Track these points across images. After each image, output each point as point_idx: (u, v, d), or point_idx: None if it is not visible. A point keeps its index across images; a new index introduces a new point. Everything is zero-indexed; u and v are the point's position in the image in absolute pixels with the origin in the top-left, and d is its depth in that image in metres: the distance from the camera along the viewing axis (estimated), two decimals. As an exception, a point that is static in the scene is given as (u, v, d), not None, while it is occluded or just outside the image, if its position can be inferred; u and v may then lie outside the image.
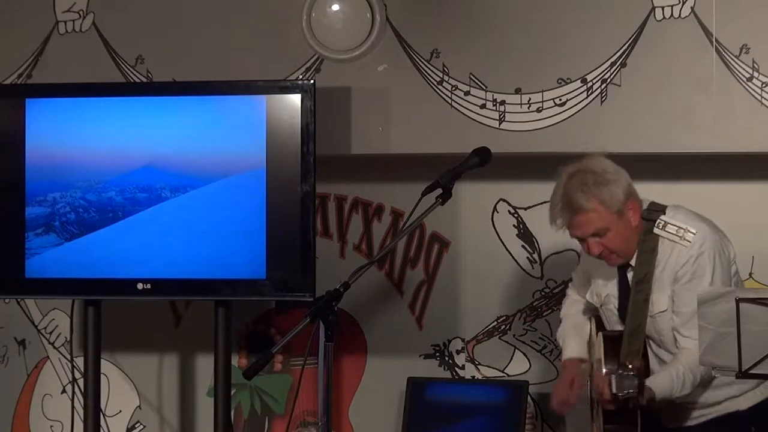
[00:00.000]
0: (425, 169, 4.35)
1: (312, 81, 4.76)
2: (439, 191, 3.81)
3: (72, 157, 4.80)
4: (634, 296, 4.06)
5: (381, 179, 5.21)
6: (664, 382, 3.91)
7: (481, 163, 3.98)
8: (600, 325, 4.26)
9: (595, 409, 4.16)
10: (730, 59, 4.65)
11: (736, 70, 4.65)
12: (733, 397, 4.08)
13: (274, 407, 5.34)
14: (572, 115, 4.78)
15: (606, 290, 4.18)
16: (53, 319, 5.44)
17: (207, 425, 5.10)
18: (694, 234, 4.01)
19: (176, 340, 5.37)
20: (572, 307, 4.42)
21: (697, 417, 4.12)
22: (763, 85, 4.64)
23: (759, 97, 4.65)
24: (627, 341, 4.02)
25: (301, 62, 4.97)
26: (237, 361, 5.28)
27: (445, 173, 3.84)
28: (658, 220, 4.04)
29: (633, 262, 4.07)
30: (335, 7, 4.96)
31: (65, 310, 5.33)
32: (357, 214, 5.27)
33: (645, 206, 4.09)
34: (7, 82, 5.13)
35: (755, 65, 4.64)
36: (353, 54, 4.93)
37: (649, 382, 3.85)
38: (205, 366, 5.29)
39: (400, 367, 5.16)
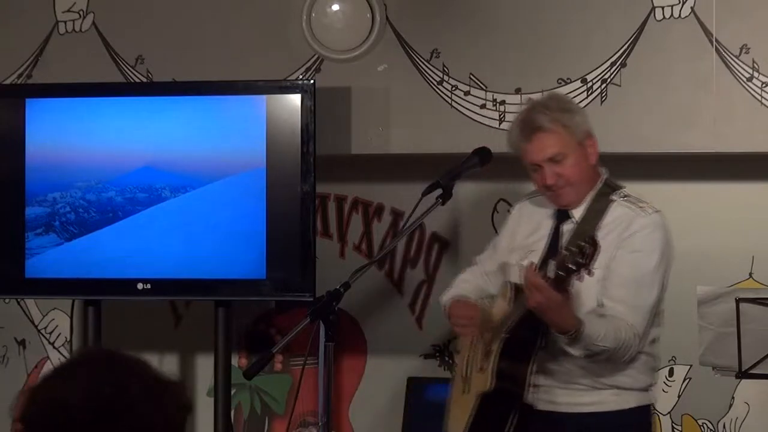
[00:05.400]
0: (425, 169, 4.35)
1: (312, 81, 4.76)
2: (439, 191, 3.81)
3: (72, 157, 4.80)
4: (567, 249, 3.77)
5: (381, 179, 5.21)
6: (593, 322, 3.65)
7: (481, 163, 3.98)
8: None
9: (476, 367, 3.90)
10: (730, 59, 4.65)
11: (736, 70, 4.65)
12: (622, 389, 3.84)
13: (274, 407, 5.34)
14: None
15: (533, 246, 3.90)
16: (53, 319, 5.44)
17: (207, 425, 5.10)
18: (656, 211, 3.83)
19: (176, 340, 5.37)
20: (463, 283, 4.12)
21: (581, 405, 3.84)
22: (763, 85, 4.64)
23: (759, 97, 4.65)
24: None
25: (301, 62, 4.97)
26: (237, 361, 5.28)
27: (445, 173, 3.84)
28: (620, 191, 3.88)
29: (576, 217, 3.86)
30: (335, 7, 4.96)
31: (65, 310, 5.33)
32: (357, 214, 5.27)
33: (606, 175, 3.92)
34: (7, 82, 5.13)
35: (755, 65, 4.64)
36: (353, 54, 4.93)
37: (584, 317, 3.64)
38: (205, 366, 5.29)
39: (400, 367, 5.16)
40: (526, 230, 3.99)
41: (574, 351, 3.70)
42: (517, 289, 3.79)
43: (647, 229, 3.80)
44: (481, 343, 3.90)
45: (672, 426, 5.00)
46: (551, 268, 3.54)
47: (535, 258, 3.85)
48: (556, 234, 3.90)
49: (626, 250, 3.78)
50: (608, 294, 3.77)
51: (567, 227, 3.89)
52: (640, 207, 3.84)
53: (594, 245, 3.46)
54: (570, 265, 3.48)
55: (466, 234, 5.18)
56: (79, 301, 5.09)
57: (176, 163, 4.76)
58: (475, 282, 4.12)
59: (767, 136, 4.65)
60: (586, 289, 3.75)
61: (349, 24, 4.94)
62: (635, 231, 3.80)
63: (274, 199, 4.69)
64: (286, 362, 5.31)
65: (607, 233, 3.79)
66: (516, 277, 3.85)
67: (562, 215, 3.91)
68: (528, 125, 3.83)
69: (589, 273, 3.51)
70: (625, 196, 3.89)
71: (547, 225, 3.93)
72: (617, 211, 3.84)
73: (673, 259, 3.92)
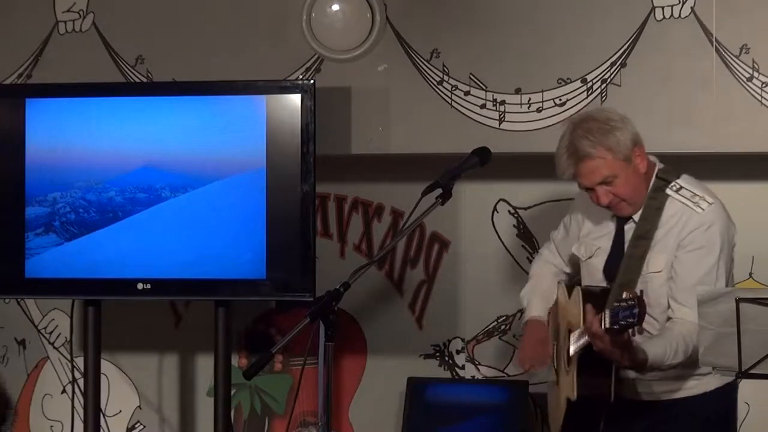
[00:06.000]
0: (425, 169, 4.35)
1: (312, 81, 4.76)
2: (439, 191, 3.81)
3: (72, 157, 4.80)
4: (630, 251, 3.96)
5: (381, 179, 5.22)
6: (657, 348, 3.79)
7: (481, 163, 3.99)
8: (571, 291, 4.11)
9: (562, 365, 4.02)
10: (730, 59, 4.65)
11: (736, 70, 4.65)
12: (702, 374, 3.97)
13: (274, 407, 5.34)
14: (572, 115, 4.77)
15: (597, 243, 4.07)
16: (53, 319, 5.44)
17: (207, 425, 5.10)
18: (709, 204, 3.93)
19: (176, 340, 5.37)
20: (543, 267, 4.33)
21: (665, 393, 4.01)
22: (763, 85, 4.64)
23: (759, 97, 4.65)
24: (615, 295, 3.85)
25: (301, 62, 4.97)
26: (237, 361, 5.28)
27: (444, 173, 3.84)
28: (673, 183, 3.97)
29: (636, 217, 3.98)
30: (335, 7, 4.96)
31: (65, 310, 5.33)
32: (357, 214, 5.27)
33: (659, 166, 4.02)
34: (7, 82, 5.14)
35: (755, 65, 4.64)
36: (353, 54, 4.93)
37: (643, 346, 3.76)
38: (205, 366, 5.29)
39: (400, 367, 5.16)
40: (591, 225, 4.12)
41: (645, 377, 3.90)
42: (584, 296, 3.89)
43: (702, 227, 3.91)
44: (562, 342, 4.02)
45: (672, 426, 4.99)
46: (607, 315, 3.63)
47: (603, 256, 4.03)
48: (619, 234, 4.03)
49: (685, 250, 3.91)
50: (674, 297, 3.91)
51: (628, 227, 4.01)
52: (694, 202, 3.94)
53: (642, 306, 3.56)
54: (622, 322, 3.58)
55: (466, 234, 5.18)
56: (79, 301, 5.09)
57: (176, 163, 4.76)
58: (551, 269, 4.30)
59: (767, 136, 4.65)
60: (655, 289, 3.90)
61: (349, 24, 4.94)
62: (691, 230, 3.91)
63: (274, 199, 4.69)
64: (286, 362, 5.31)
65: (665, 233, 3.93)
66: (585, 273, 4.10)
67: (622, 218, 4.03)
68: (573, 153, 3.91)
69: (640, 332, 3.67)
70: (679, 188, 3.97)
71: (610, 226, 4.07)
72: (673, 208, 3.95)
73: (734, 242, 4.01)
